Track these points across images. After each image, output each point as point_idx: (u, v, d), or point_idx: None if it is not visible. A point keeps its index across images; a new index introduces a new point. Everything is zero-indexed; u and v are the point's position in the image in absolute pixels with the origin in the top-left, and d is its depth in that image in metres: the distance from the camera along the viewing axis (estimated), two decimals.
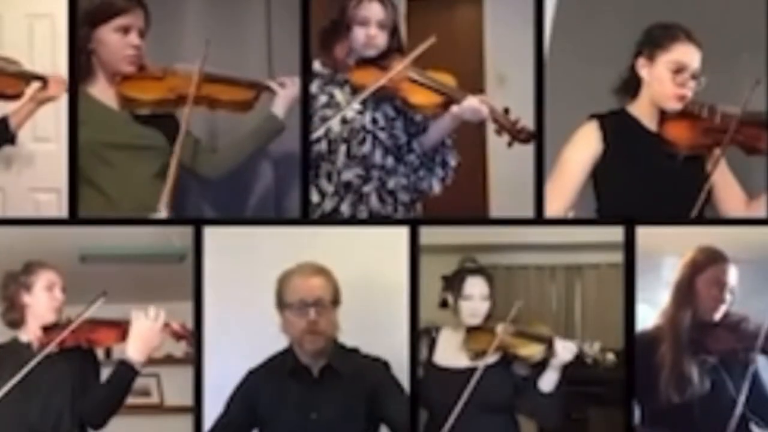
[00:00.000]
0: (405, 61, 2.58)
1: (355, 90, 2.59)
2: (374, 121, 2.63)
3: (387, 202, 2.64)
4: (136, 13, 2.51)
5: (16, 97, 2.61)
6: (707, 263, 2.43)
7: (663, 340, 2.42)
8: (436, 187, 2.70)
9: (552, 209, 2.57)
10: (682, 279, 2.45)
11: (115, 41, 2.51)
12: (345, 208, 2.61)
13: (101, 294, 2.39)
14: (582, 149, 2.55)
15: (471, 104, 2.54)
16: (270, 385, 2.40)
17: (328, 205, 2.61)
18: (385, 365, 2.42)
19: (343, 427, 2.35)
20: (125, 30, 2.50)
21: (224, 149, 2.71)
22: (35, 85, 2.57)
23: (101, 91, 2.56)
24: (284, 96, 2.62)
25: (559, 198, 2.56)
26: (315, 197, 2.62)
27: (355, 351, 2.43)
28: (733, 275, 2.43)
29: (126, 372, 2.33)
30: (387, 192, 2.64)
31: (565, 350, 2.40)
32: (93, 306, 2.39)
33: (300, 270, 2.39)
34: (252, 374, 2.44)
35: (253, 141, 2.65)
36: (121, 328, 2.39)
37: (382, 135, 2.63)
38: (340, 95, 2.62)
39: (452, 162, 2.71)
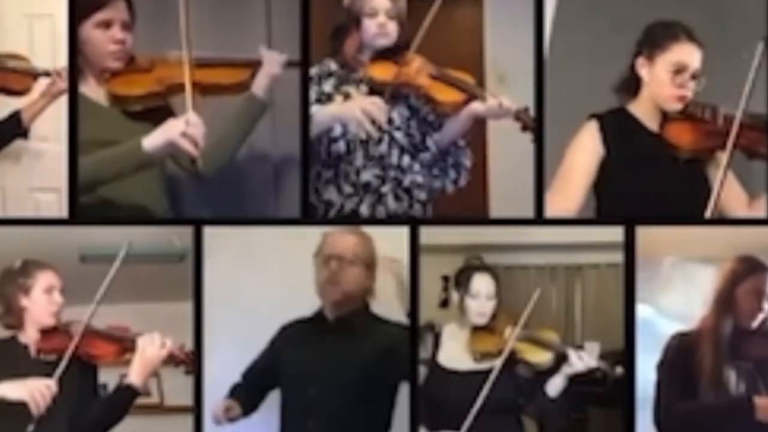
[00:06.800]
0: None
1: (372, 86, 2.57)
2: (390, 120, 2.60)
3: (403, 199, 2.61)
4: (116, 6, 2.41)
5: (23, 92, 2.62)
6: (747, 273, 2.42)
7: (702, 345, 2.40)
8: (449, 188, 2.70)
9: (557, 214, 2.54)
10: (722, 288, 2.44)
11: (98, 37, 2.41)
12: (364, 210, 2.57)
13: (99, 301, 2.36)
14: (584, 154, 2.53)
15: (500, 101, 2.54)
16: (293, 334, 2.50)
17: (348, 206, 2.58)
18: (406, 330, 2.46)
19: (342, 381, 2.37)
20: (106, 25, 2.40)
21: (214, 141, 2.52)
22: (42, 80, 2.56)
23: (92, 89, 2.48)
24: (264, 74, 2.49)
25: (565, 205, 2.53)
26: (335, 198, 2.58)
27: (381, 319, 2.45)
28: None
29: (128, 395, 2.32)
30: (403, 190, 2.61)
31: (579, 361, 2.41)
32: (92, 312, 2.36)
33: (342, 228, 2.48)
34: (284, 328, 2.52)
35: (237, 127, 2.52)
36: (120, 345, 2.37)
37: (398, 134, 2.62)
38: (356, 94, 2.59)
39: (467, 162, 2.71)
